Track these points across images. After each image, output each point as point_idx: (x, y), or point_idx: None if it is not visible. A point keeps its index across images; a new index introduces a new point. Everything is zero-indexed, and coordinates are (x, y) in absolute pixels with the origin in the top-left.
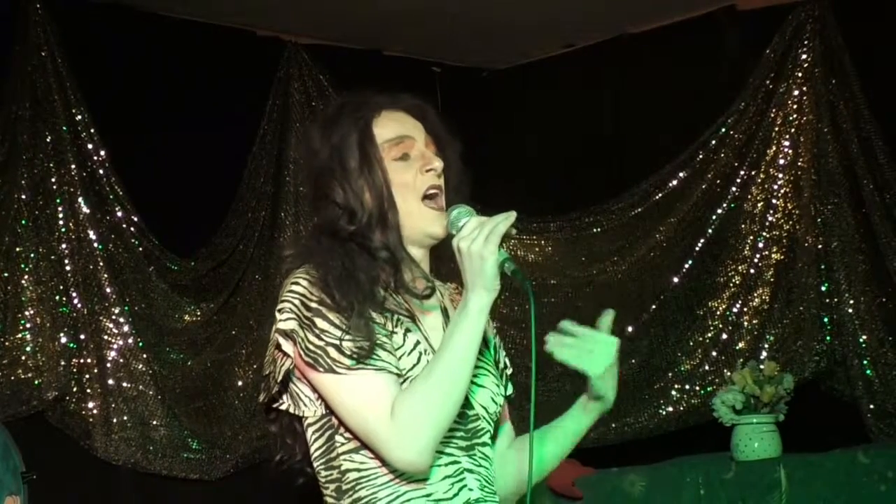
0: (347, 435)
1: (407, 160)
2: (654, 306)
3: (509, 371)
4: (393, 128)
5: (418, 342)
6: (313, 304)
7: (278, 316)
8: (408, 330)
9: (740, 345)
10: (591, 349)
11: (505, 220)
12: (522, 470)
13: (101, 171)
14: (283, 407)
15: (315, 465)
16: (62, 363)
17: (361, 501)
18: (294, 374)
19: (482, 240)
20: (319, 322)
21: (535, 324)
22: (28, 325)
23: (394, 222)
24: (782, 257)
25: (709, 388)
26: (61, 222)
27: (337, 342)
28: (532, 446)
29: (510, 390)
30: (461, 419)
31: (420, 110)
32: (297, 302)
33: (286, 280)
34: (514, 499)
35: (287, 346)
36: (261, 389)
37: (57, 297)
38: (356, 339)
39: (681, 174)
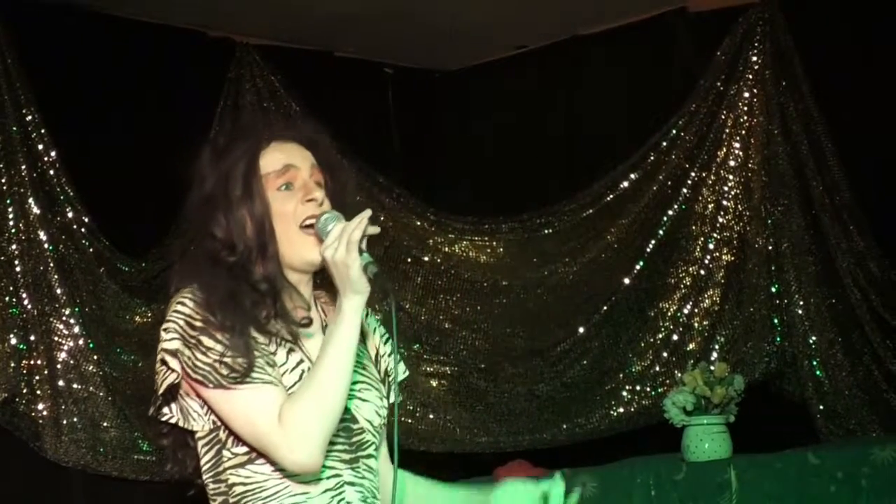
0: (234, 450)
1: (290, 190)
2: (605, 307)
3: (401, 377)
4: (279, 158)
5: (301, 360)
6: (198, 324)
7: (163, 335)
8: (290, 350)
9: (691, 346)
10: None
11: (358, 226)
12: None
13: (51, 172)
14: (173, 420)
15: (204, 477)
16: (12, 364)
17: None
18: (182, 389)
19: (343, 249)
20: (206, 340)
21: (397, 325)
22: None
23: (273, 252)
24: (733, 258)
25: (659, 390)
26: (11, 223)
27: (221, 359)
28: (396, 459)
29: (394, 398)
30: (346, 433)
31: (310, 141)
32: (181, 322)
33: (172, 299)
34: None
35: (174, 363)
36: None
37: (7, 298)
38: (236, 357)
39: (632, 176)
